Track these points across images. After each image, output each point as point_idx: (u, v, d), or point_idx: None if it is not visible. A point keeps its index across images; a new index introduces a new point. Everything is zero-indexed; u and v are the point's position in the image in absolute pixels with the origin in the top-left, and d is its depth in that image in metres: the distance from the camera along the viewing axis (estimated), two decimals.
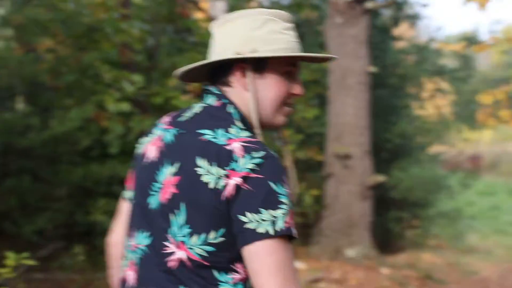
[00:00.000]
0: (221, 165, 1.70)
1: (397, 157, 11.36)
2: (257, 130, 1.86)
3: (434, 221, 12.08)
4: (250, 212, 1.66)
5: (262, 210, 1.65)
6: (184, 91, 9.54)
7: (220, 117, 1.84)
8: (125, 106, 8.30)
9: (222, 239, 1.72)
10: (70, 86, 8.68)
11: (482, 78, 22.12)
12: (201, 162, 1.73)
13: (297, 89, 1.92)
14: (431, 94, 13.22)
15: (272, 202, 1.66)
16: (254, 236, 1.65)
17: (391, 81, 11.32)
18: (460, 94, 16.65)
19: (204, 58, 2.12)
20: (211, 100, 1.89)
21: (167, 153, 1.84)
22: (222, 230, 1.72)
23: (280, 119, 1.92)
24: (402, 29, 12.94)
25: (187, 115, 1.91)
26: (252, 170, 1.68)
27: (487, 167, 23.50)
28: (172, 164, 1.81)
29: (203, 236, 1.73)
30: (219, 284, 1.75)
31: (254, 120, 1.86)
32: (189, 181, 1.74)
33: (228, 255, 1.74)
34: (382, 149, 11.31)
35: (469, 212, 15.93)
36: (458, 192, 12.86)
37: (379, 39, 11.70)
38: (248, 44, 1.85)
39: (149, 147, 1.94)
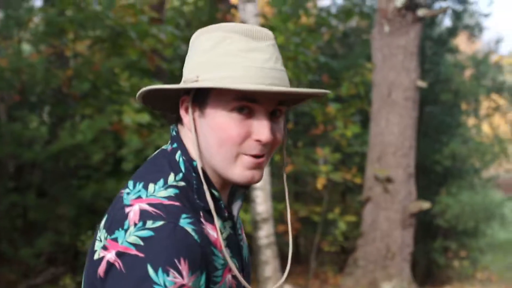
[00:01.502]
0: (108, 231, 1.34)
1: (447, 181, 10.43)
2: (205, 186, 1.40)
3: (484, 251, 11.07)
4: None
5: None
6: None
7: (159, 166, 1.44)
8: (144, 118, 7.62)
9: None
10: (86, 95, 8.06)
11: None
12: (102, 223, 1.39)
13: (259, 134, 1.38)
14: (488, 113, 12.21)
15: None
16: None
17: (444, 97, 10.39)
18: None
19: None
20: (168, 144, 1.50)
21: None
22: None
23: (237, 172, 1.41)
24: (459, 41, 11.94)
25: (146, 161, 1.51)
26: (133, 245, 1.28)
27: None
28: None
29: None
30: None
31: (200, 170, 1.41)
32: (90, 249, 1.39)
33: None
34: (430, 172, 10.40)
35: None
36: None
37: (433, 51, 10.77)
38: (193, 70, 1.41)
39: None
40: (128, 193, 1.39)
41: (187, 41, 7.96)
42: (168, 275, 1.26)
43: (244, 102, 1.37)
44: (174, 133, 1.50)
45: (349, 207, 9.72)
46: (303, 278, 8.79)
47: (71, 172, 7.79)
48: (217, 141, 1.39)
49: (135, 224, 1.31)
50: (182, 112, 1.46)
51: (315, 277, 9.66)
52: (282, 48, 8.71)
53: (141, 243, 1.28)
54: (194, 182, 1.42)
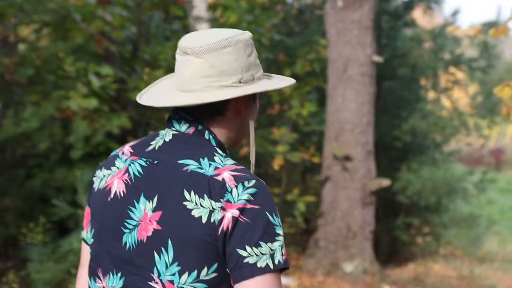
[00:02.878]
0: (214, 198, 1.63)
1: (407, 157, 10.28)
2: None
3: (448, 227, 10.98)
4: (249, 245, 1.59)
5: (261, 243, 1.60)
6: None
7: (199, 145, 1.75)
8: (92, 103, 7.33)
9: (214, 274, 1.64)
10: (32, 82, 7.74)
11: (507, 67, 20.92)
12: (189, 195, 1.65)
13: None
14: (447, 86, 12.08)
15: (270, 235, 1.61)
16: (254, 270, 1.59)
17: (402, 72, 10.22)
18: (482, 86, 15.49)
19: None
20: (184, 127, 1.78)
21: (140, 187, 1.73)
22: (215, 266, 1.63)
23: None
24: (417, 15, 11.77)
25: (156, 143, 1.79)
26: (247, 201, 1.62)
27: (511, 162, 22.27)
28: (148, 198, 1.70)
29: (194, 273, 1.64)
30: None
31: (231, 145, 1.85)
32: (175, 216, 1.64)
33: None
34: (390, 149, 10.25)
35: (488, 212, 14.80)
36: (476, 194, 11.71)
37: (389, 25, 10.59)
38: (248, 71, 1.77)
39: (113, 182, 1.80)
40: (199, 168, 1.67)
41: (137, 23, 7.68)
42: (277, 216, 1.65)
43: None
44: (190, 117, 1.77)
45: (310, 187, 9.54)
46: None
47: (18, 162, 7.47)
48: (250, 122, 1.82)
49: (236, 186, 1.63)
50: (235, 105, 1.79)
51: None
52: (234, 27, 8.48)
53: (252, 198, 1.62)
54: (226, 153, 1.79)
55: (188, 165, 1.68)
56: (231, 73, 1.73)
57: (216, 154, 1.72)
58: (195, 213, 1.62)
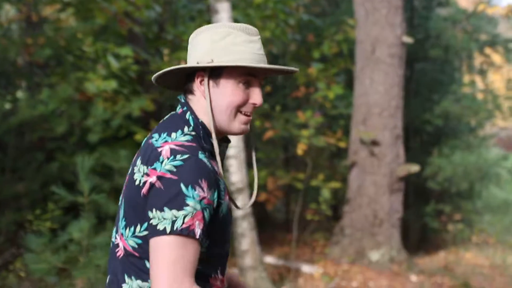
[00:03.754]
0: (147, 164, 1.86)
1: (439, 141, 9.94)
2: (214, 136, 1.98)
3: (480, 213, 10.64)
4: (155, 209, 1.79)
5: (165, 208, 1.78)
6: None
7: (174, 122, 1.99)
8: (111, 85, 7.16)
9: (146, 232, 1.85)
10: (49, 64, 7.59)
11: None
12: (138, 161, 1.91)
13: (255, 99, 2.00)
14: (482, 68, 11.65)
15: (177, 203, 1.77)
16: (155, 231, 1.78)
17: (435, 53, 9.86)
18: None
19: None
20: (178, 108, 2.05)
21: (136, 156, 2.00)
22: (145, 224, 1.86)
23: (236, 126, 2.01)
24: None
25: (160, 122, 2.06)
26: (169, 171, 1.81)
27: None
28: (131, 166, 1.99)
29: (132, 229, 1.90)
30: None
31: (210, 126, 1.99)
32: (129, 180, 1.93)
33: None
34: (421, 133, 9.92)
35: None
36: (510, 179, 11.34)
37: (422, 5, 10.22)
38: (207, 55, 1.98)
39: None
40: (156, 140, 1.91)
41: (163, 3, 7.45)
42: (195, 190, 1.79)
43: (248, 76, 1.98)
44: (182, 100, 2.04)
45: (336, 172, 9.27)
46: (289, 247, 8.40)
47: (36, 146, 7.34)
48: (226, 104, 1.97)
49: (168, 158, 1.83)
50: (196, 84, 2.01)
51: (305, 245, 9.28)
52: (261, 7, 8.23)
53: (174, 169, 1.80)
54: (201, 132, 1.98)
55: (152, 138, 1.94)
56: (196, 55, 2.00)
57: (178, 131, 1.94)
58: (135, 176, 1.89)
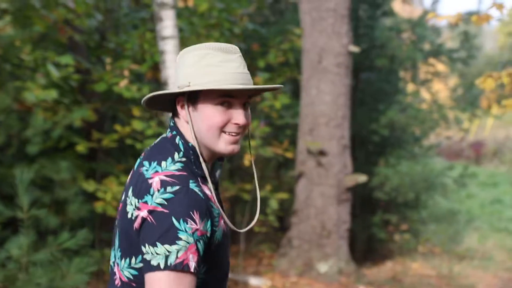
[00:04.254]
0: (138, 197, 1.88)
1: (385, 151, 9.91)
2: (201, 160, 1.98)
3: (426, 223, 10.65)
4: (148, 244, 1.80)
5: (158, 244, 1.78)
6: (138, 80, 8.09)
7: (165, 148, 2.00)
8: (51, 94, 6.89)
9: (141, 264, 1.87)
10: None
11: (488, 60, 20.57)
12: (130, 192, 1.94)
13: (236, 119, 1.97)
14: (427, 78, 11.71)
15: (169, 237, 1.78)
16: (149, 267, 1.79)
17: (380, 63, 9.84)
18: (463, 78, 15.12)
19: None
20: (168, 131, 2.08)
21: (127, 184, 2.03)
22: (140, 257, 1.87)
23: (222, 147, 1.98)
24: (394, 5, 11.39)
25: (151, 146, 2.08)
26: (160, 204, 1.82)
27: (490, 155, 21.97)
28: (124, 193, 2.01)
29: (127, 260, 1.92)
30: None
31: (197, 149, 1.99)
32: (122, 210, 1.97)
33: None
34: (367, 143, 9.88)
35: (467, 206, 14.49)
36: (456, 189, 11.40)
37: (367, 14, 10.21)
38: (186, 78, 1.98)
39: None
40: (146, 170, 1.91)
41: (104, 11, 7.22)
42: (187, 223, 1.79)
43: (225, 98, 1.94)
44: (172, 124, 2.05)
45: (283, 183, 9.16)
46: (236, 259, 8.23)
47: None
48: (207, 126, 1.96)
49: (158, 190, 1.83)
50: (178, 108, 2.02)
51: (252, 257, 9.12)
52: (205, 14, 8.08)
53: (165, 202, 1.81)
54: (192, 157, 1.98)
55: (143, 166, 1.96)
56: (178, 79, 2.02)
57: (168, 159, 1.94)
58: (128, 208, 1.92)
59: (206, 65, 1.96)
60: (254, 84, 2.15)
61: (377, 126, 9.61)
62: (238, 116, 1.96)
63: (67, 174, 6.81)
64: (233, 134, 1.98)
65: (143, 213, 1.83)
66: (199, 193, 1.87)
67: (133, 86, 7.22)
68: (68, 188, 6.89)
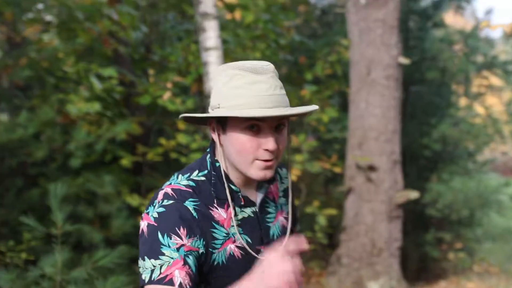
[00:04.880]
0: (146, 207, 1.89)
1: (437, 167, 9.58)
2: (225, 181, 1.92)
3: (482, 242, 10.24)
4: (140, 257, 1.81)
5: (146, 258, 1.79)
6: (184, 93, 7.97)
7: (195, 164, 1.99)
8: (94, 107, 6.80)
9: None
10: (31, 84, 7.24)
11: None
12: None
13: (268, 145, 1.86)
14: (480, 91, 11.34)
15: (154, 252, 1.77)
16: (140, 280, 1.80)
17: (431, 75, 9.55)
18: None
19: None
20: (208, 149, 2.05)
21: None
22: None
23: (253, 173, 1.90)
24: (446, 15, 11.07)
25: None
26: (153, 217, 1.83)
27: None
28: None
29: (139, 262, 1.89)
30: None
31: (223, 171, 1.95)
32: None
33: None
34: (418, 158, 9.56)
35: None
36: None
37: (418, 26, 9.93)
38: (216, 99, 1.90)
39: None
40: (168, 180, 1.97)
41: (150, 23, 7.11)
42: (170, 238, 1.80)
43: (253, 121, 1.85)
44: (211, 142, 2.03)
45: (332, 199, 8.90)
46: None
47: (15, 171, 6.94)
48: (236, 151, 1.89)
49: (159, 202, 1.87)
50: (211, 130, 1.97)
51: (302, 275, 8.84)
52: (251, 26, 7.94)
53: (157, 216, 1.84)
54: (213, 178, 1.95)
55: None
56: (211, 99, 1.94)
57: (187, 174, 1.94)
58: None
59: (234, 87, 1.87)
60: (295, 102, 2.12)
61: (428, 140, 9.30)
62: (268, 142, 1.86)
63: (111, 188, 6.70)
64: (265, 159, 1.89)
65: (143, 224, 1.86)
66: (193, 211, 1.85)
67: (177, 99, 7.09)
68: (112, 202, 6.79)
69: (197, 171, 1.95)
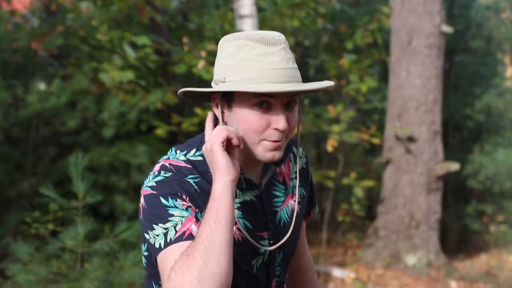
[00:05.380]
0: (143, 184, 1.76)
1: (480, 138, 9.35)
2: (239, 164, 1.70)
3: None
4: (149, 230, 1.67)
5: (154, 226, 1.66)
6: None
7: (193, 142, 1.84)
8: (127, 76, 6.73)
9: (146, 253, 1.76)
10: (65, 52, 7.19)
11: None
12: None
13: (276, 124, 1.68)
14: None
15: (161, 217, 1.65)
16: (154, 250, 1.66)
17: (476, 44, 9.28)
18: None
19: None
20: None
21: None
22: (146, 245, 1.74)
23: (260, 153, 1.73)
24: None
25: None
26: (150, 187, 1.70)
27: None
28: None
29: (142, 246, 1.79)
30: None
31: (244, 159, 1.77)
32: None
33: (154, 270, 1.75)
34: (460, 129, 9.35)
35: None
36: None
37: None
38: (221, 72, 1.72)
39: None
40: (166, 155, 1.82)
41: None
42: (176, 200, 1.66)
43: (263, 97, 1.67)
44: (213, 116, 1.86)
45: (370, 170, 8.76)
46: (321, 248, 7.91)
47: (48, 141, 6.93)
48: (242, 130, 1.70)
49: (154, 173, 1.72)
50: (214, 107, 1.78)
51: (338, 246, 8.77)
52: None
53: (155, 184, 1.69)
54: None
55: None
56: (214, 71, 1.76)
57: (185, 151, 1.79)
58: None
59: (242, 59, 1.68)
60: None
61: (472, 111, 9.09)
62: (278, 120, 1.67)
63: (145, 158, 6.65)
64: (273, 140, 1.70)
65: (140, 201, 1.73)
66: (194, 185, 1.71)
67: (212, 68, 6.98)
68: (146, 172, 6.74)
69: (194, 150, 1.78)
